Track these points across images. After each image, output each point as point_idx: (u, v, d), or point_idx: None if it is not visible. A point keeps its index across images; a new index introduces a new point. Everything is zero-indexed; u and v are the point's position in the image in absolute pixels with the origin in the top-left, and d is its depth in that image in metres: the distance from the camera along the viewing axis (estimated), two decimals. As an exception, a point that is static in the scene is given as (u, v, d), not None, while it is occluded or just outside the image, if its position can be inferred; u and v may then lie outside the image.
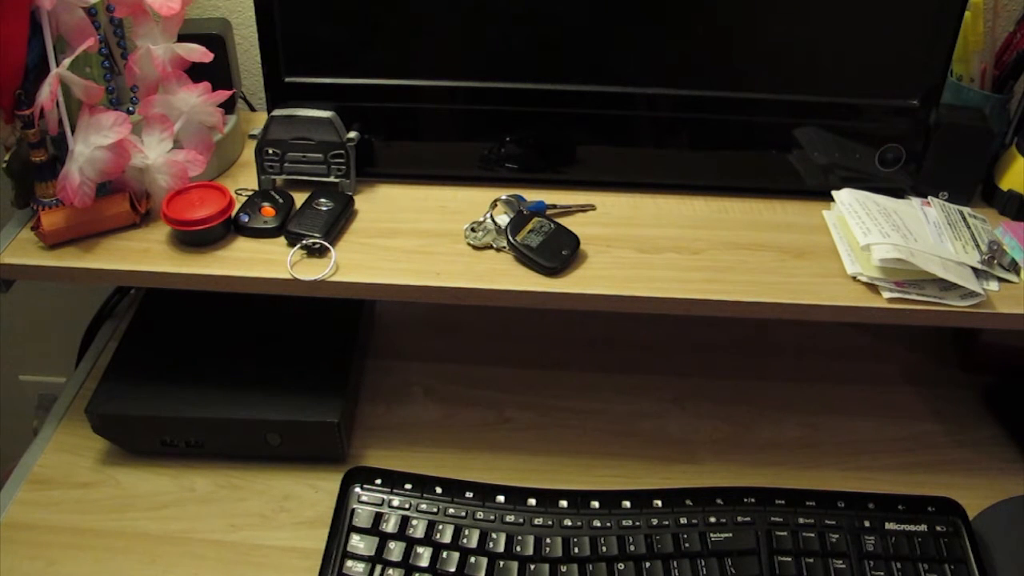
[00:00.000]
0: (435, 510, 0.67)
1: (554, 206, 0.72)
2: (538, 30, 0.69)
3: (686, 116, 0.72)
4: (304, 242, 0.67)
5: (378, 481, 0.69)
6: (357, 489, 0.69)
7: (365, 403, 0.80)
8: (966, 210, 0.72)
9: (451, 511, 0.67)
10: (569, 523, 0.67)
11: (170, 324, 0.80)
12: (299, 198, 0.71)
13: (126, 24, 0.71)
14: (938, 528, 0.67)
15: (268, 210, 0.69)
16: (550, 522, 0.67)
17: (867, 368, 0.85)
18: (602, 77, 0.71)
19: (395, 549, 0.65)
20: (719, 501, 0.68)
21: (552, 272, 0.66)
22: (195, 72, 0.70)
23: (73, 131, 0.65)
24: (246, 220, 0.69)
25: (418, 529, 0.66)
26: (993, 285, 0.66)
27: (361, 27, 0.70)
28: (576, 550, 0.65)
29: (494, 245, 0.68)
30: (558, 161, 0.75)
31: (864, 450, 0.77)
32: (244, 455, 0.74)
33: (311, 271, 0.66)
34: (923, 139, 0.71)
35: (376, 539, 0.66)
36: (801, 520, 0.67)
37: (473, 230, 0.69)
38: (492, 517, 0.67)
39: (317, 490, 0.72)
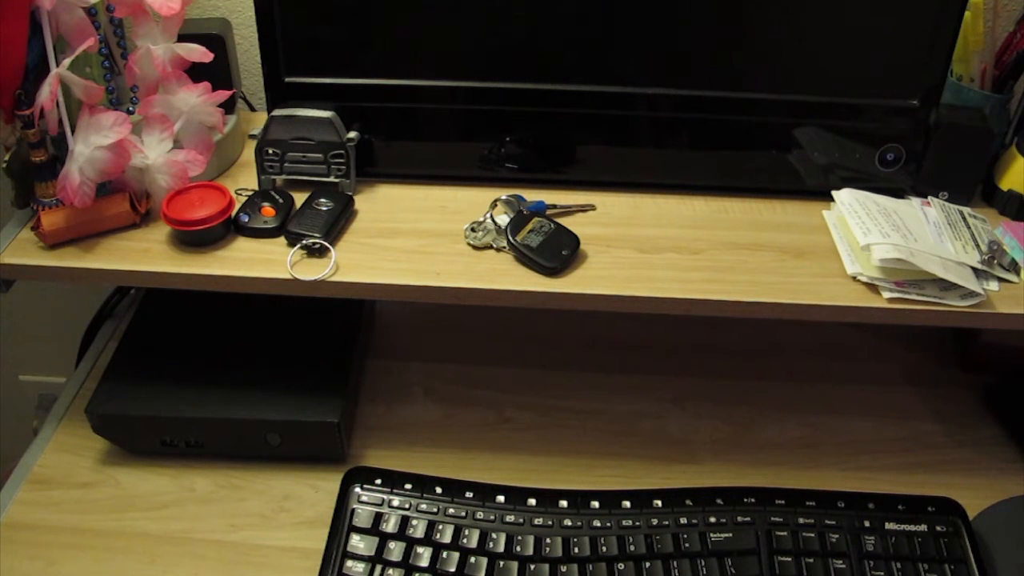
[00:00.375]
0: (435, 510, 0.67)
1: (554, 206, 0.72)
2: (538, 30, 0.69)
3: (686, 116, 0.72)
4: (304, 242, 0.67)
5: (378, 481, 0.69)
6: (357, 489, 0.69)
7: (365, 403, 0.80)
8: (966, 210, 0.72)
9: (451, 511, 0.67)
10: (569, 523, 0.67)
11: (170, 324, 0.80)
12: (299, 198, 0.71)
13: (126, 24, 0.71)
14: (938, 528, 0.67)
15: (268, 210, 0.69)
16: (550, 522, 0.67)
17: (867, 368, 0.85)
18: (602, 77, 0.71)
19: (395, 549, 0.65)
20: (719, 501, 0.68)
21: (552, 272, 0.66)
22: (195, 72, 0.70)
23: (73, 131, 0.65)
24: (246, 220, 0.69)
25: (418, 529, 0.66)
26: (993, 285, 0.66)
27: (361, 27, 0.70)
28: (576, 550, 0.65)
29: (494, 245, 0.68)
30: (558, 161, 0.75)
31: (864, 450, 0.77)
32: (244, 455, 0.74)
33: (311, 271, 0.66)
34: (923, 139, 0.71)
35: (376, 539, 0.66)
36: (801, 520, 0.67)
37: (473, 230, 0.69)
38: (492, 517, 0.67)
39: (317, 490, 0.72)
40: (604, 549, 0.65)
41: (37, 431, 0.77)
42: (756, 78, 0.71)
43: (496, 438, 0.77)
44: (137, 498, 0.71)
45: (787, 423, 0.79)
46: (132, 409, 0.72)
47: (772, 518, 0.67)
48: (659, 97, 0.71)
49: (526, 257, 0.66)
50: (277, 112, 0.71)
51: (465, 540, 0.65)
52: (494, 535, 0.66)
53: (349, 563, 0.64)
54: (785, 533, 0.66)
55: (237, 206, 0.70)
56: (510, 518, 0.67)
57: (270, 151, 0.72)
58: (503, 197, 0.71)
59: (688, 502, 0.68)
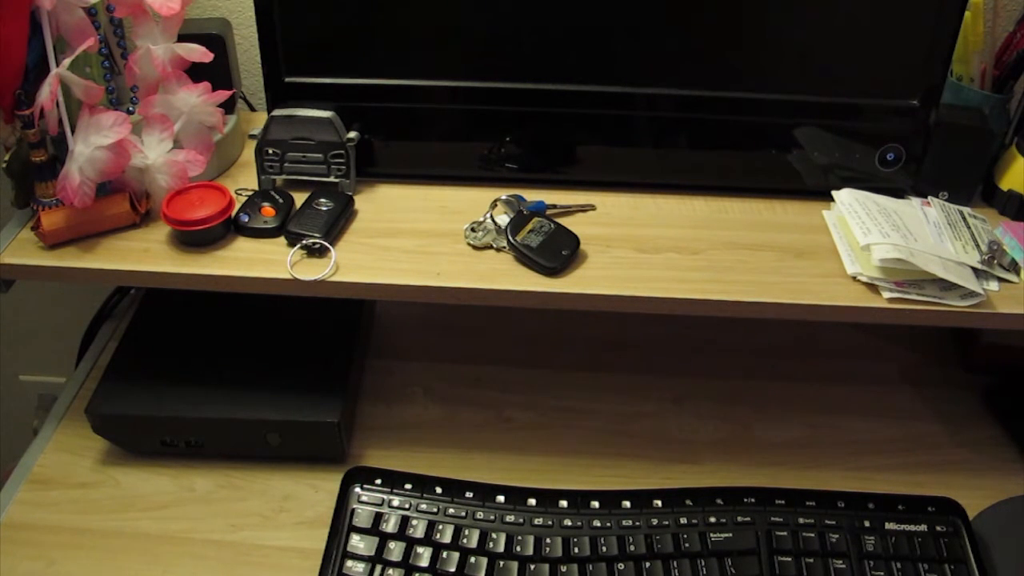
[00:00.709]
0: (435, 510, 0.67)
1: (554, 206, 0.72)
2: (538, 30, 0.69)
3: (686, 116, 0.72)
4: (304, 242, 0.67)
5: (378, 481, 0.69)
6: (357, 489, 0.69)
7: (365, 403, 0.80)
8: (966, 210, 0.72)
9: (451, 511, 0.67)
10: (569, 523, 0.67)
11: (170, 324, 0.80)
12: (299, 198, 0.71)
13: (126, 24, 0.71)
14: (938, 528, 0.67)
15: (268, 210, 0.69)
16: (550, 522, 0.67)
17: (867, 368, 0.85)
18: (602, 77, 0.71)
19: (395, 549, 0.65)
20: (719, 501, 0.68)
21: (552, 272, 0.66)
22: (195, 72, 0.70)
23: (73, 131, 0.65)
24: (246, 220, 0.69)
25: (418, 529, 0.66)
26: (993, 285, 0.66)
27: (361, 27, 0.70)
28: (576, 550, 0.65)
29: (494, 245, 0.68)
30: (558, 161, 0.75)
31: (864, 450, 0.77)
32: (244, 455, 0.74)
33: (311, 271, 0.66)
34: (923, 139, 0.71)
35: (376, 539, 0.66)
36: (801, 520, 0.67)
37: (473, 230, 0.69)
38: (492, 517, 0.67)
39: (317, 490, 0.72)
40: (604, 549, 0.65)
41: (37, 431, 0.77)
42: (756, 78, 0.71)
43: (496, 438, 0.77)
44: (137, 498, 0.71)
45: (787, 423, 0.79)
46: (132, 409, 0.72)
47: (772, 518, 0.67)
48: (659, 97, 0.71)
49: (526, 257, 0.66)
50: (277, 112, 0.71)
51: (465, 540, 0.65)
52: (494, 535, 0.66)
53: (349, 563, 0.64)
54: (785, 533, 0.66)
55: (237, 206, 0.70)
56: (510, 518, 0.67)
57: (270, 151, 0.72)
58: (503, 197, 0.71)
59: (688, 502, 0.68)
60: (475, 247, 0.68)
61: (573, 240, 0.67)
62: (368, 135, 0.74)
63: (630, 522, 0.67)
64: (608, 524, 0.67)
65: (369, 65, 0.71)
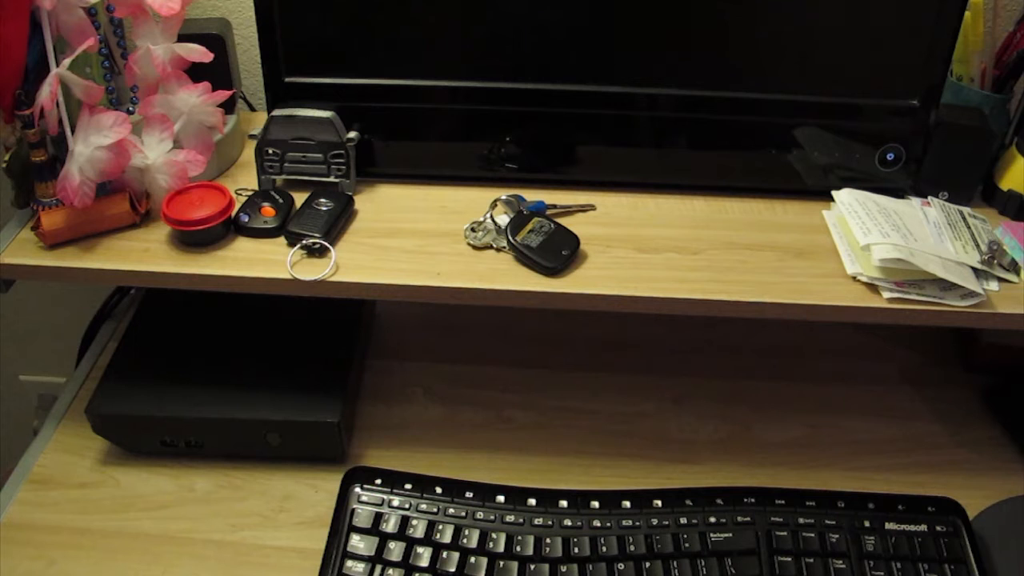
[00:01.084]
0: (435, 510, 0.67)
1: (554, 206, 0.72)
2: (538, 30, 0.69)
3: (686, 116, 0.72)
4: (304, 242, 0.67)
5: (378, 481, 0.69)
6: (357, 489, 0.69)
7: (365, 403, 0.80)
8: (966, 210, 0.72)
9: (451, 511, 0.67)
10: (569, 523, 0.67)
11: (170, 324, 0.80)
12: (299, 198, 0.71)
13: (126, 24, 0.71)
14: (938, 528, 0.67)
15: (268, 210, 0.69)
16: (550, 522, 0.67)
17: (867, 368, 0.85)
18: (602, 77, 0.71)
19: (395, 549, 0.65)
20: (719, 501, 0.68)
21: (552, 272, 0.66)
22: (195, 72, 0.70)
23: (73, 131, 0.65)
24: (246, 220, 0.69)
25: (418, 529, 0.66)
26: (993, 285, 0.66)
27: (361, 27, 0.70)
28: (576, 550, 0.65)
29: (494, 245, 0.68)
30: (558, 161, 0.75)
31: (864, 450, 0.77)
32: (244, 455, 0.74)
33: (311, 271, 0.66)
34: (923, 139, 0.71)
35: (376, 539, 0.66)
36: (801, 520, 0.67)
37: (473, 230, 0.69)
38: (492, 517, 0.67)
39: (317, 490, 0.72)
40: (604, 549, 0.65)
41: (37, 431, 0.77)
42: (756, 78, 0.71)
43: (496, 438, 0.77)
44: (137, 498, 0.71)
45: (787, 423, 0.79)
46: (132, 409, 0.72)
47: (772, 518, 0.67)
48: (659, 97, 0.71)
49: (526, 257, 0.66)
50: (277, 112, 0.71)
51: (465, 540, 0.65)
52: (494, 535, 0.66)
53: (349, 563, 0.64)
54: (785, 533, 0.66)
55: (237, 206, 0.70)
56: (510, 518, 0.67)
57: (270, 151, 0.72)
58: (503, 197, 0.71)
59: (688, 502, 0.68)
60: (475, 247, 0.68)
61: (573, 240, 0.67)
62: (368, 135, 0.74)
63: (630, 522, 0.67)
64: (608, 524, 0.67)
65: (369, 65, 0.71)
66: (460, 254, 0.68)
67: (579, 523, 0.67)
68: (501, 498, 0.68)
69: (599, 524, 0.67)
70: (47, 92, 0.62)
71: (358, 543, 0.65)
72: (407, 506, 0.68)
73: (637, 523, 0.67)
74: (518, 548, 0.65)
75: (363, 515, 0.67)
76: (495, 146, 0.74)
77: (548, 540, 0.66)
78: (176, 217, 0.67)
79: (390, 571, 0.64)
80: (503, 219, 0.69)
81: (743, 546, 0.65)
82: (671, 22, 0.68)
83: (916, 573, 0.64)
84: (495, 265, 0.67)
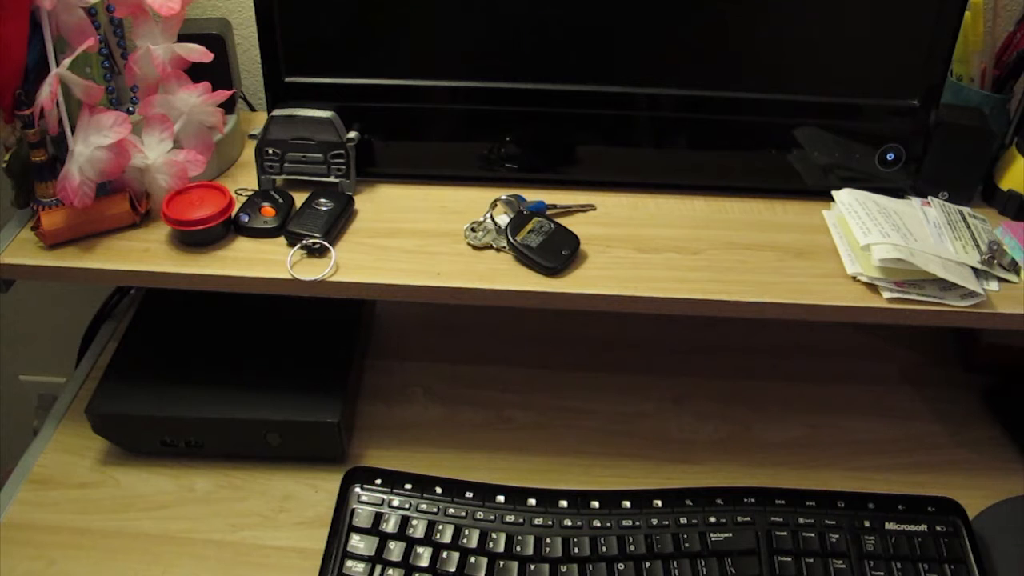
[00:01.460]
0: (435, 510, 0.67)
1: (554, 206, 0.72)
2: (538, 30, 0.69)
3: (686, 116, 0.72)
4: (304, 242, 0.67)
5: (378, 481, 0.69)
6: (357, 489, 0.69)
7: (365, 403, 0.80)
8: (966, 210, 0.72)
9: (451, 511, 0.67)
10: (569, 523, 0.67)
11: (170, 324, 0.80)
12: (299, 198, 0.71)
13: (126, 24, 0.71)
14: (938, 528, 0.67)
15: (268, 210, 0.69)
16: (550, 522, 0.67)
17: (867, 368, 0.85)
18: (602, 77, 0.71)
19: (395, 549, 0.65)
20: (719, 501, 0.68)
21: (552, 272, 0.66)
22: (195, 72, 0.70)
23: (73, 131, 0.65)
24: (246, 220, 0.69)
25: (418, 529, 0.66)
26: (993, 285, 0.66)
27: (361, 27, 0.70)
28: (576, 550, 0.65)
29: (494, 245, 0.68)
30: (558, 161, 0.75)
31: (864, 450, 0.77)
32: (244, 455, 0.74)
33: (311, 271, 0.66)
34: (923, 139, 0.71)
35: (376, 539, 0.66)
36: (801, 520, 0.67)
37: (473, 230, 0.69)
38: (492, 517, 0.67)
39: (317, 490, 0.72)
40: (604, 549, 0.65)
41: (37, 431, 0.77)
42: (756, 78, 0.71)
43: (496, 438, 0.77)
44: (137, 498, 0.71)
45: (787, 423, 0.79)
46: (132, 409, 0.72)
47: (772, 518, 0.67)
48: (659, 97, 0.71)
49: (526, 257, 0.66)
50: (277, 112, 0.71)
51: (465, 540, 0.65)
52: (494, 535, 0.66)
53: (349, 563, 0.64)
54: (785, 533, 0.66)
55: (237, 206, 0.70)
56: (510, 518, 0.67)
57: (270, 151, 0.72)
58: (503, 197, 0.72)
59: (688, 502, 0.68)
60: (475, 247, 0.68)
61: (573, 240, 0.67)
62: (368, 135, 0.74)
63: (630, 522, 0.67)
64: (608, 524, 0.67)
65: (369, 65, 0.71)
66: (460, 254, 0.68)
67: (579, 523, 0.67)
68: (501, 498, 0.68)
69: (599, 524, 0.67)
70: (47, 92, 0.62)
71: (358, 543, 0.65)
72: (407, 506, 0.68)
73: (637, 523, 0.67)
74: (518, 548, 0.65)
75: (363, 515, 0.67)
76: (495, 146, 0.74)
77: (548, 540, 0.66)
78: (176, 217, 0.67)
79: (390, 571, 0.64)
80: (503, 219, 0.69)
81: (743, 546, 0.65)
82: (671, 22, 0.68)
83: (916, 573, 0.64)
84: (495, 265, 0.67)
